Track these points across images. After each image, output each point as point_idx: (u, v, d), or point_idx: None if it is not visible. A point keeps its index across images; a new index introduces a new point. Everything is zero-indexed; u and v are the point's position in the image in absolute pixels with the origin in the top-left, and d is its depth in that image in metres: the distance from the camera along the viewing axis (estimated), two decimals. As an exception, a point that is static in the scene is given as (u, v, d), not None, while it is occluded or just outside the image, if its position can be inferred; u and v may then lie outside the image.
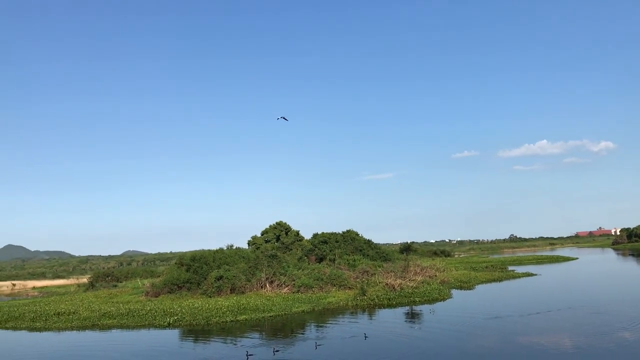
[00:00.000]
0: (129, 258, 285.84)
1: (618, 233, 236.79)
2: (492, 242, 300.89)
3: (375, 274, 55.64)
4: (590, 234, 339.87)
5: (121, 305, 49.21)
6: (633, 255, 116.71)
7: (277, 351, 25.73)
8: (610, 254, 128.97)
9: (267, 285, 51.95)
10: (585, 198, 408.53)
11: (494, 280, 61.23)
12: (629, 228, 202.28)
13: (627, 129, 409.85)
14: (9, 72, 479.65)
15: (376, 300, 44.19)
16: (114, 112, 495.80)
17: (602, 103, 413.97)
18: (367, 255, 69.55)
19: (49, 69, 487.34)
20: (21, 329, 41.10)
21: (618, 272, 70.69)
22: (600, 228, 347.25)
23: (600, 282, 56.74)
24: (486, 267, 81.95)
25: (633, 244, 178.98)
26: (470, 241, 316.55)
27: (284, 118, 54.39)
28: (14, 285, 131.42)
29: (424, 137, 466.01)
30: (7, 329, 41.73)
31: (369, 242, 76.42)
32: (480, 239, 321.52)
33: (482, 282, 59.09)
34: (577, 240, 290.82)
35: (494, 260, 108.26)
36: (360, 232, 77.10)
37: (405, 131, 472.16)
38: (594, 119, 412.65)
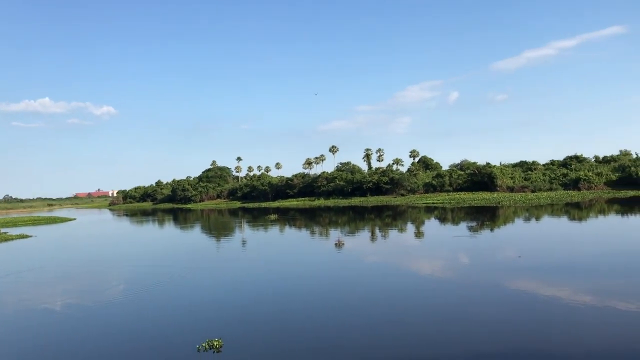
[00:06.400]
0: None
1: (115, 195, 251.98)
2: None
3: None
4: (90, 195, 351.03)
5: None
6: (127, 215, 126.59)
7: None
8: (107, 215, 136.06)
9: None
10: (87, 160, 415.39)
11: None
12: (125, 190, 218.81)
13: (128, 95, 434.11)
14: None
15: None
16: None
17: (112, 68, 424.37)
18: None
19: None
20: None
21: (114, 231, 74.85)
22: (99, 190, 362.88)
23: (94, 242, 58.60)
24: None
25: (128, 204, 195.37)
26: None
27: None
28: None
29: None
30: None
31: None
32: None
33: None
34: (77, 201, 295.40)
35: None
36: None
37: None
38: (98, 83, 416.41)
